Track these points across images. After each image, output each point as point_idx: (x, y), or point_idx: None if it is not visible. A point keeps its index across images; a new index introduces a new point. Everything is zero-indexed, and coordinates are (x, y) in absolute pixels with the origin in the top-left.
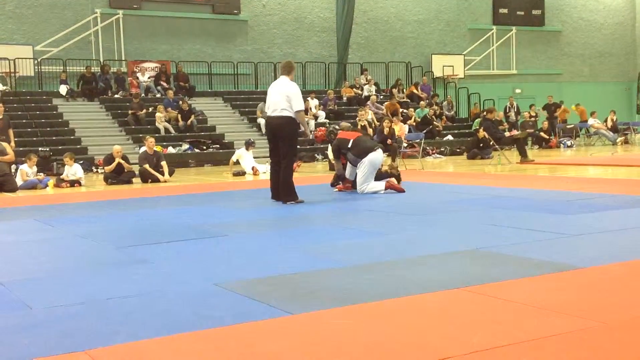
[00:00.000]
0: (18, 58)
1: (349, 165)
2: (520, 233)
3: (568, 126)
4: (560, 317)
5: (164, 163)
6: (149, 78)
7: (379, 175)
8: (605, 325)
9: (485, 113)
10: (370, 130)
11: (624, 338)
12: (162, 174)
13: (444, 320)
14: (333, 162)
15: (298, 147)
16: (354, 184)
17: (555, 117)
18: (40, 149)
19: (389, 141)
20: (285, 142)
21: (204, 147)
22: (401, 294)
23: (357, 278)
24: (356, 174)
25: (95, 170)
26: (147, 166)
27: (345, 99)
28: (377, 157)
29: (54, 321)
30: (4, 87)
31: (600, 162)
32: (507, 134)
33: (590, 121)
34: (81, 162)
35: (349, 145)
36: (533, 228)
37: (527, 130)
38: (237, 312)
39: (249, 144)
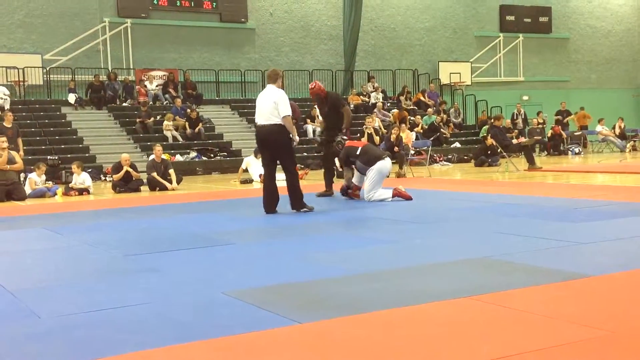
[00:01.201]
0: (27, 67)
1: (356, 173)
2: (528, 241)
3: (576, 133)
4: (569, 326)
5: (171, 171)
6: (157, 86)
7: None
8: (614, 335)
9: (492, 120)
10: (377, 138)
11: (633, 347)
12: (170, 181)
13: (452, 329)
14: (341, 170)
15: (305, 154)
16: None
17: (567, 124)
18: (48, 157)
19: (395, 149)
20: (281, 150)
21: (212, 155)
22: (410, 302)
23: (365, 286)
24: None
25: (103, 178)
26: (155, 174)
27: (352, 106)
28: (386, 165)
29: (62, 330)
30: (8, 94)
31: (608, 170)
32: (514, 141)
33: (598, 128)
34: (89, 170)
35: (357, 153)
36: (541, 236)
37: (535, 137)
38: (246, 320)
39: (258, 152)
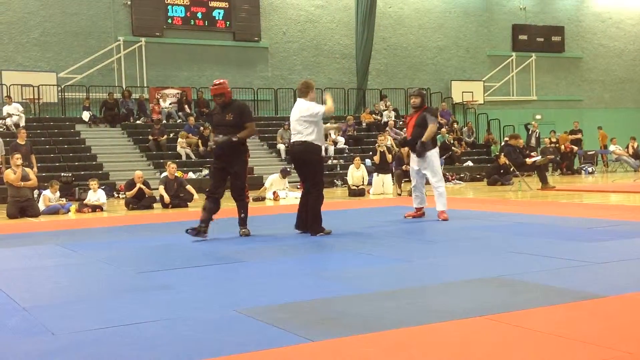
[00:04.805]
0: (42, 85)
1: (415, 196)
2: (541, 260)
3: (589, 152)
4: (584, 347)
5: (189, 187)
6: (170, 104)
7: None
8: (629, 356)
9: (507, 139)
10: (389, 157)
11: None
12: (184, 199)
13: (465, 349)
14: (355, 187)
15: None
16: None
17: (581, 142)
18: (62, 174)
19: (407, 167)
20: (309, 168)
21: None
22: (422, 321)
23: (378, 305)
24: (422, 195)
25: (116, 195)
26: (162, 187)
27: (364, 124)
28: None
29: (76, 347)
30: (22, 110)
31: (622, 189)
32: (527, 160)
33: (612, 148)
34: (103, 187)
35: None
36: (555, 255)
37: (548, 157)
38: (258, 338)
39: (285, 173)
